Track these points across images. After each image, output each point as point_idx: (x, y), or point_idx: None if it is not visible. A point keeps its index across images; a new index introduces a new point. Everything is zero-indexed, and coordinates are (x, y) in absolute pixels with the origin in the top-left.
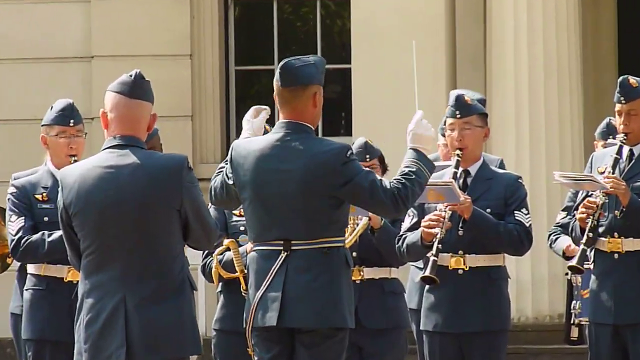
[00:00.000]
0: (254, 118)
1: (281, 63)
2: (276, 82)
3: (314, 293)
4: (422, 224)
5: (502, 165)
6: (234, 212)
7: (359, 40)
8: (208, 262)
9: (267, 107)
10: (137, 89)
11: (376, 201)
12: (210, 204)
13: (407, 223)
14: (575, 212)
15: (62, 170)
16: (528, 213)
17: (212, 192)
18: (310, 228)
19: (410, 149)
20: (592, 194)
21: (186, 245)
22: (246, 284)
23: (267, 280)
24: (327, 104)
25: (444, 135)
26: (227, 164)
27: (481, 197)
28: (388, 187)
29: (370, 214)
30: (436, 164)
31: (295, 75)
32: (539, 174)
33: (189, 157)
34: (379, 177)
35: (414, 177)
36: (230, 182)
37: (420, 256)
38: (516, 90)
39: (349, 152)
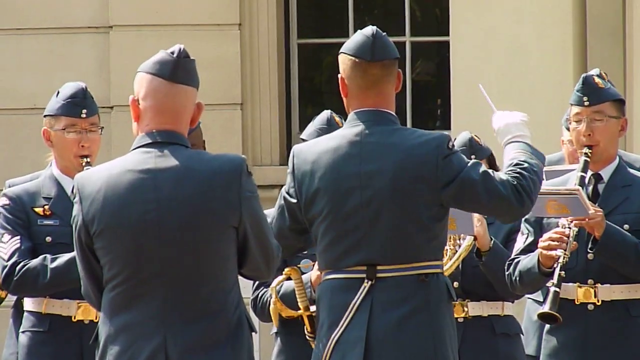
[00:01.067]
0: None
1: (366, 30)
2: (353, 59)
3: (408, 333)
4: (540, 244)
5: None
6: None
7: (459, 6)
8: (261, 294)
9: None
10: (181, 71)
11: (494, 197)
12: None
13: (520, 243)
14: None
15: (79, 176)
16: None
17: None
18: (402, 248)
19: (507, 144)
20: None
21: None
22: (312, 325)
23: (346, 318)
24: (417, 88)
25: (568, 129)
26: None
27: (617, 209)
28: (504, 178)
29: (476, 231)
30: (558, 167)
31: (388, 45)
32: None
33: None
34: (490, 170)
35: (527, 165)
36: (294, 200)
37: (537, 286)
38: None
39: (450, 143)
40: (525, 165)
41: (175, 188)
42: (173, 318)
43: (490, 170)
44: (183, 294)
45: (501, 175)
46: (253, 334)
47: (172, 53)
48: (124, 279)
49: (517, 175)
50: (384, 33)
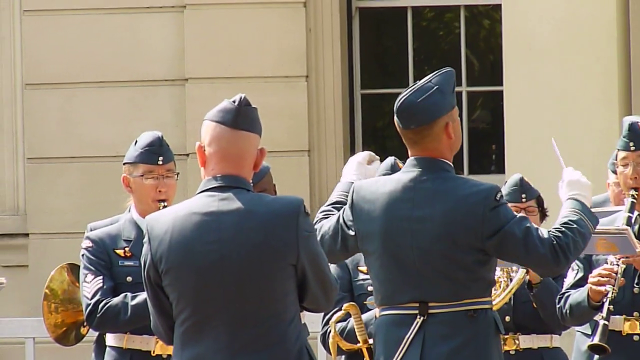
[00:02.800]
0: (367, 164)
1: (397, 102)
2: (396, 122)
3: None
4: (590, 280)
5: None
6: (361, 268)
7: (513, 57)
8: (328, 329)
9: (377, 157)
10: (242, 118)
11: (531, 253)
12: None
13: (570, 278)
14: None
15: (149, 217)
16: None
17: (319, 240)
18: (452, 287)
19: (568, 199)
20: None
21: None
22: (371, 357)
23: (400, 351)
24: (474, 134)
25: (615, 172)
26: (339, 208)
27: None
28: (545, 236)
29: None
30: (605, 209)
31: (416, 113)
32: None
33: (306, 200)
34: (534, 226)
35: (575, 226)
36: (352, 232)
37: (586, 319)
38: None
39: (498, 195)
40: (574, 226)
41: (236, 229)
42: (238, 350)
43: (534, 227)
44: (246, 328)
45: (544, 232)
46: None
47: (234, 102)
48: (190, 314)
49: (560, 234)
50: (418, 99)
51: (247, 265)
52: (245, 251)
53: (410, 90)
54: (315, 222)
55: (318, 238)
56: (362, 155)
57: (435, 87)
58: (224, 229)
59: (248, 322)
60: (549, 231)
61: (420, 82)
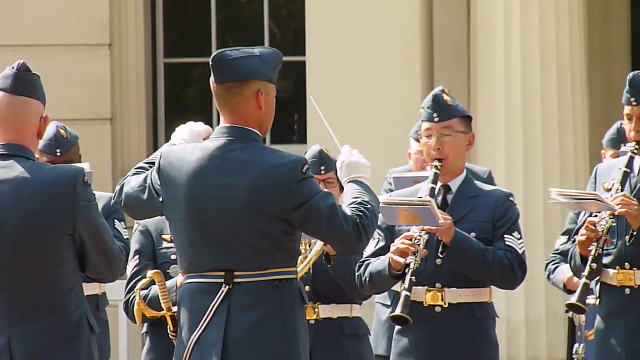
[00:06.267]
0: (202, 138)
1: (214, 54)
2: (211, 78)
3: (263, 335)
4: (392, 249)
5: (489, 180)
6: (164, 236)
7: (315, 28)
8: (131, 297)
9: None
10: (21, 83)
11: (335, 230)
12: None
13: (371, 247)
14: (575, 236)
15: None
16: (521, 237)
17: (125, 194)
18: (257, 256)
19: (349, 182)
20: (596, 215)
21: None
22: (174, 324)
23: (205, 320)
24: (277, 104)
25: (418, 141)
26: (151, 170)
27: (464, 218)
28: (349, 213)
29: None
30: (408, 174)
31: (230, 68)
32: (534, 190)
33: (108, 169)
34: (339, 203)
35: (370, 206)
36: (160, 197)
37: (386, 287)
38: (507, 88)
39: (305, 167)
40: (369, 206)
41: (12, 198)
42: (17, 319)
43: (339, 205)
44: (24, 296)
45: (347, 210)
46: (94, 332)
47: (13, 67)
48: None
49: (361, 214)
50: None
51: (22, 234)
52: (20, 219)
53: (231, 48)
54: (127, 176)
55: (125, 191)
56: (203, 127)
57: (257, 54)
58: (1, 197)
59: (26, 290)
60: (350, 209)
61: (244, 47)
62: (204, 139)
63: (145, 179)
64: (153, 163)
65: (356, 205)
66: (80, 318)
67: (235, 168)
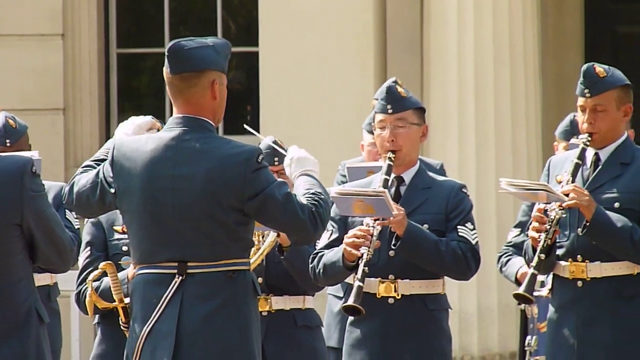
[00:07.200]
0: (146, 130)
1: (169, 44)
2: (165, 69)
3: (216, 327)
4: (345, 240)
5: (442, 172)
6: (116, 228)
7: (268, 19)
8: (83, 289)
9: (159, 124)
10: None
11: (291, 218)
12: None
13: (324, 239)
14: (528, 228)
15: None
16: (474, 229)
17: (76, 193)
18: (211, 247)
19: (302, 175)
20: (547, 207)
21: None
22: (126, 316)
23: (158, 311)
24: (229, 95)
25: (371, 133)
26: (103, 164)
27: (417, 209)
28: (304, 202)
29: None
30: (363, 164)
31: (186, 58)
32: (486, 181)
33: (61, 159)
34: (294, 192)
35: (323, 197)
36: (111, 189)
37: (339, 279)
38: (459, 80)
39: (260, 157)
40: (322, 196)
41: None
42: None
43: (294, 194)
44: None
45: (302, 199)
46: (44, 323)
47: None
48: None
49: (316, 203)
50: (190, 47)
51: None
52: None
53: (187, 39)
54: (75, 175)
55: (75, 190)
56: (144, 120)
57: (210, 45)
58: None
59: None
60: (305, 199)
61: (198, 38)
62: (147, 131)
63: (97, 174)
64: (100, 160)
65: (310, 195)
66: (29, 308)
67: (190, 158)
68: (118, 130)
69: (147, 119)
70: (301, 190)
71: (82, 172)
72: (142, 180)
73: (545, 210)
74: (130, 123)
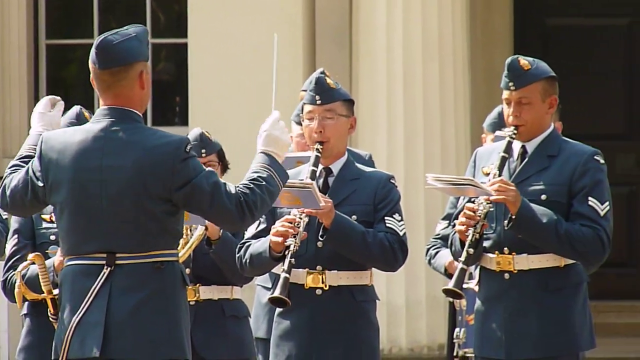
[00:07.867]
0: (48, 110)
1: (96, 41)
2: (92, 64)
3: (145, 317)
4: (272, 231)
5: (371, 162)
6: (44, 216)
7: (197, 10)
8: (9, 277)
9: (60, 98)
10: None
11: (218, 208)
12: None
13: (252, 229)
14: (455, 221)
15: None
16: (402, 220)
17: (9, 195)
18: (140, 238)
19: (260, 152)
20: (474, 200)
21: None
22: (55, 307)
23: (86, 302)
24: (158, 86)
25: (300, 124)
26: (28, 161)
27: (345, 200)
28: (233, 191)
29: (207, 222)
30: (292, 154)
31: (115, 53)
32: (415, 173)
33: None
34: (223, 181)
35: (264, 183)
36: (41, 183)
37: (266, 269)
38: (388, 72)
39: (188, 147)
40: (263, 183)
41: None
42: None
43: (222, 182)
44: None
45: (232, 188)
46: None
47: None
48: None
49: (248, 191)
50: (117, 41)
51: None
52: None
53: (110, 33)
54: (4, 177)
55: (8, 193)
56: (42, 104)
57: (133, 35)
58: None
59: None
60: (236, 186)
61: (119, 30)
62: (52, 107)
63: (26, 172)
64: (25, 157)
65: (249, 182)
66: None
67: (118, 149)
68: (32, 130)
69: (44, 101)
70: (250, 172)
71: (10, 173)
72: (71, 171)
73: (472, 202)
74: (35, 115)
